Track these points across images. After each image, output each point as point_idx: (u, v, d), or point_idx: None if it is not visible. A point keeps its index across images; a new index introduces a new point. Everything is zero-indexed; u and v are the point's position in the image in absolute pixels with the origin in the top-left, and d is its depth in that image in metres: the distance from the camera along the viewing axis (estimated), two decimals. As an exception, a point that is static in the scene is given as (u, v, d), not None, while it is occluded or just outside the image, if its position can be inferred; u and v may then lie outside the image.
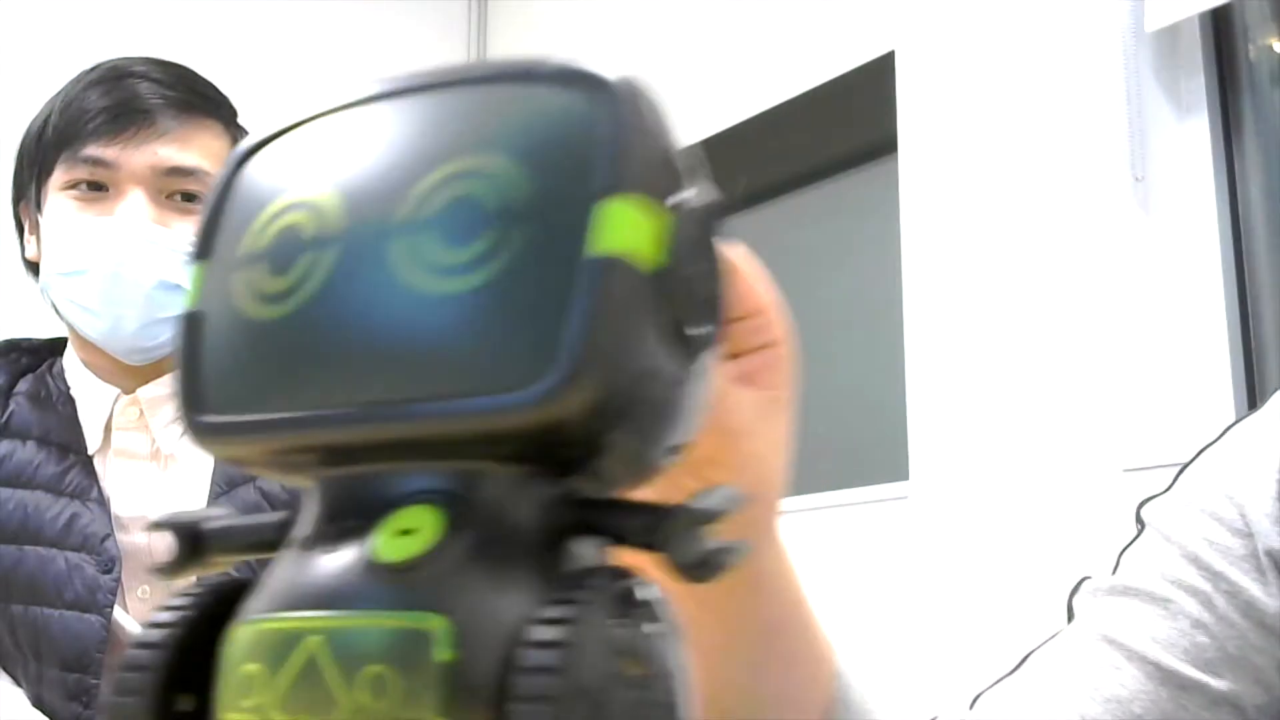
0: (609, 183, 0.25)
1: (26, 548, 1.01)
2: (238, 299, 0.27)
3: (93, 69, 1.09)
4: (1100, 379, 1.73)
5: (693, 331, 0.26)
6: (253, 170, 0.28)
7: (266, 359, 0.26)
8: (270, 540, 0.28)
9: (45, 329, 1.18)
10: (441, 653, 0.24)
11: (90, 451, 1.06)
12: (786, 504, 1.92)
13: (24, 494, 1.03)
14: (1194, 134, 1.85)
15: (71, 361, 1.11)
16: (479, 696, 0.24)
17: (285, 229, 0.27)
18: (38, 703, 0.99)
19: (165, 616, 0.26)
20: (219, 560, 0.28)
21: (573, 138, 0.25)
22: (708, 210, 0.27)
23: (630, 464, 0.26)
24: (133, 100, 1.05)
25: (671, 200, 0.26)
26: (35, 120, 1.09)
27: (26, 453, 1.05)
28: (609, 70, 0.26)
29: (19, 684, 1.00)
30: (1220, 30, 1.87)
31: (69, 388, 1.09)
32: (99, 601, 0.99)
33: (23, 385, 1.11)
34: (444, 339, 0.25)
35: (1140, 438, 1.70)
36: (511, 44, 2.93)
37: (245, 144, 0.29)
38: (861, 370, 2.16)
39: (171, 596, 0.27)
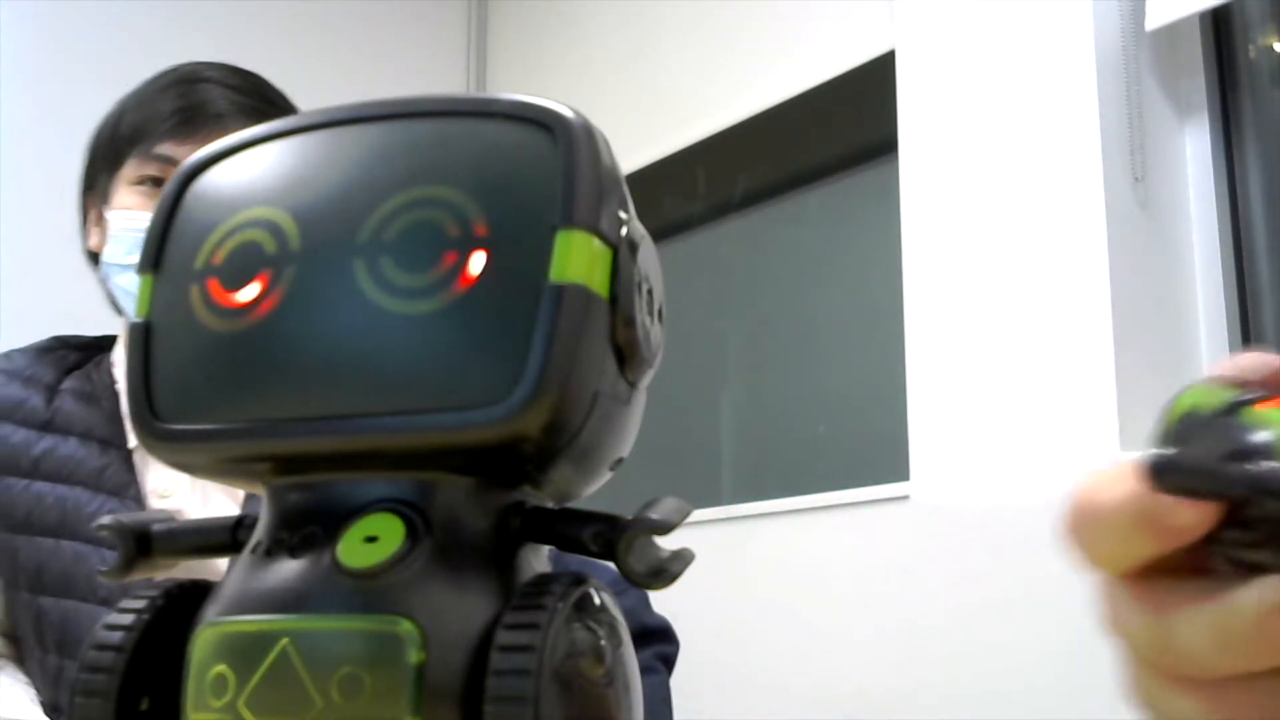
0: (564, 216, 0.26)
1: (64, 541, 1.02)
2: (193, 311, 0.28)
3: (169, 71, 1.13)
4: (1100, 379, 1.73)
5: (635, 355, 0.28)
6: (204, 186, 0.29)
7: (225, 370, 0.27)
8: (218, 544, 0.29)
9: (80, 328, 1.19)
10: (413, 654, 0.25)
11: (130, 446, 1.07)
12: (787, 504, 1.91)
13: (64, 489, 1.04)
14: (1194, 134, 1.85)
15: (119, 357, 1.13)
16: (449, 696, 0.25)
17: (243, 245, 0.27)
18: (53, 701, 0.99)
19: (122, 619, 0.27)
20: (166, 562, 0.29)
21: (527, 172, 0.27)
22: (644, 244, 0.28)
23: (577, 476, 0.28)
24: (205, 105, 1.08)
25: (616, 234, 0.27)
26: (109, 116, 1.12)
27: (68, 448, 1.06)
28: (561, 107, 0.27)
29: (34, 681, 1.01)
30: (1220, 30, 1.87)
31: (114, 382, 1.11)
32: None
33: (69, 382, 1.12)
34: (407, 357, 0.26)
35: (1140, 438, 1.70)
36: (511, 45, 2.94)
37: (194, 159, 0.30)
38: (861, 370, 2.17)
39: (125, 599, 0.27)
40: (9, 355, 1.16)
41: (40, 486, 1.04)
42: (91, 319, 1.19)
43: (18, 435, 1.07)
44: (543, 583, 0.26)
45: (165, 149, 1.07)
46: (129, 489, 1.04)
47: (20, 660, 1.03)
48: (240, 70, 1.13)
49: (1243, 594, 0.25)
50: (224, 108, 1.08)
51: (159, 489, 1.05)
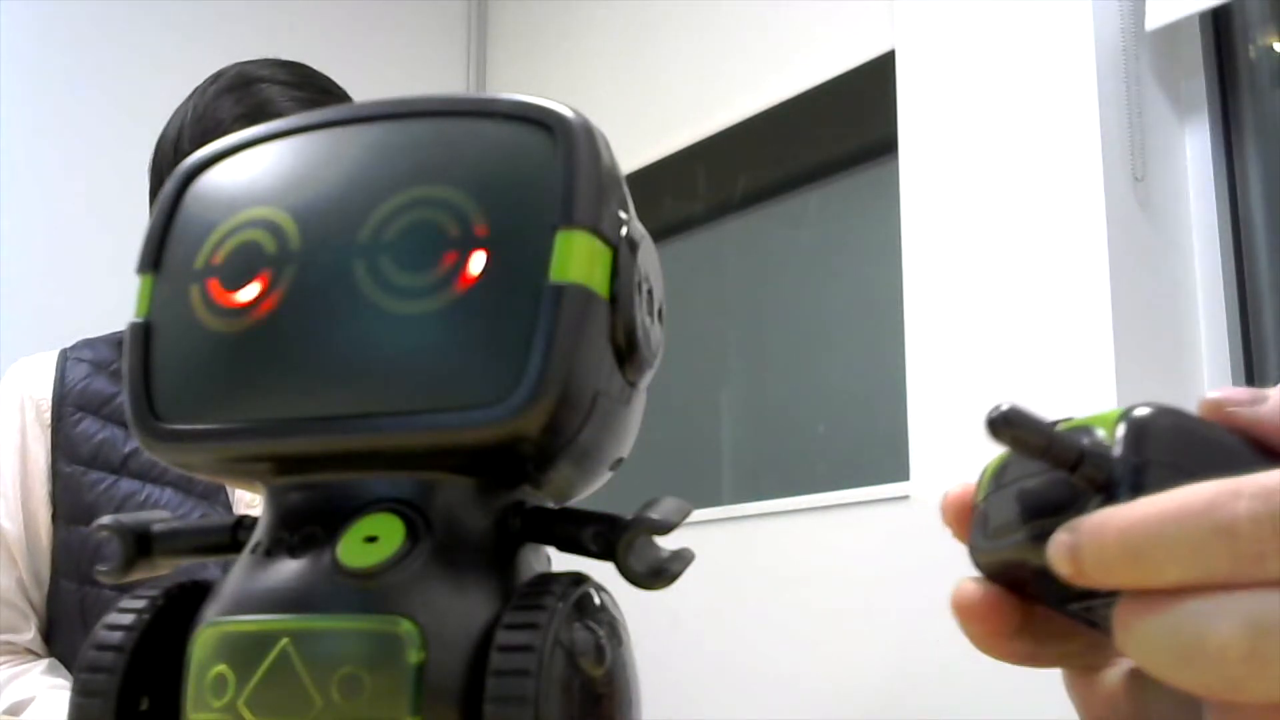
0: (564, 216, 0.26)
1: None
2: (193, 311, 0.28)
3: (218, 76, 1.10)
4: (1100, 379, 1.73)
5: (635, 355, 0.28)
6: (203, 186, 0.29)
7: (225, 369, 0.27)
8: (219, 544, 0.29)
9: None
10: (413, 654, 0.25)
11: None
12: (787, 504, 1.92)
13: (153, 489, 1.04)
14: (1194, 134, 1.85)
15: None
16: (449, 696, 0.25)
17: (243, 245, 0.27)
18: None
19: (122, 619, 0.26)
20: (166, 562, 0.29)
21: (528, 172, 0.27)
22: (644, 243, 0.28)
23: (577, 476, 0.28)
24: (266, 105, 1.05)
25: (616, 234, 0.27)
26: (168, 129, 1.10)
27: None
28: (561, 107, 0.27)
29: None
30: (1220, 30, 1.87)
31: None
32: None
33: None
34: (407, 357, 0.26)
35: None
36: (511, 45, 2.93)
37: (193, 159, 0.30)
38: (861, 370, 2.16)
39: (126, 599, 0.27)
40: (90, 344, 1.14)
41: (128, 484, 1.04)
42: (92, 324, 1.18)
43: (106, 431, 1.07)
44: (543, 583, 0.26)
45: None
46: (219, 494, 1.04)
47: (60, 653, 1.05)
48: (289, 63, 1.11)
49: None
50: (285, 106, 1.06)
51: (247, 497, 1.05)
